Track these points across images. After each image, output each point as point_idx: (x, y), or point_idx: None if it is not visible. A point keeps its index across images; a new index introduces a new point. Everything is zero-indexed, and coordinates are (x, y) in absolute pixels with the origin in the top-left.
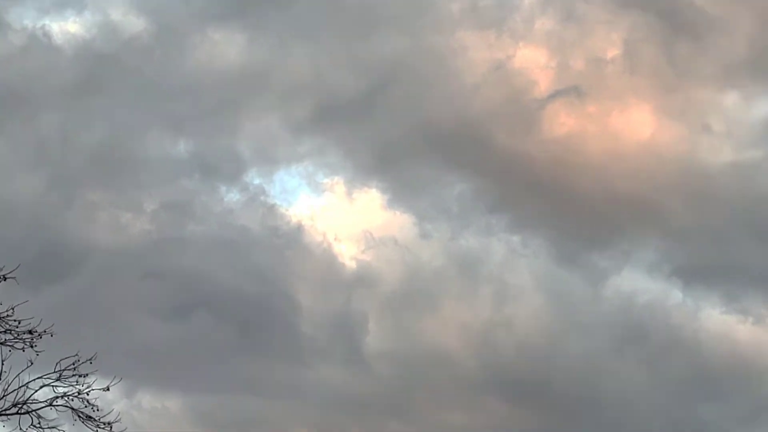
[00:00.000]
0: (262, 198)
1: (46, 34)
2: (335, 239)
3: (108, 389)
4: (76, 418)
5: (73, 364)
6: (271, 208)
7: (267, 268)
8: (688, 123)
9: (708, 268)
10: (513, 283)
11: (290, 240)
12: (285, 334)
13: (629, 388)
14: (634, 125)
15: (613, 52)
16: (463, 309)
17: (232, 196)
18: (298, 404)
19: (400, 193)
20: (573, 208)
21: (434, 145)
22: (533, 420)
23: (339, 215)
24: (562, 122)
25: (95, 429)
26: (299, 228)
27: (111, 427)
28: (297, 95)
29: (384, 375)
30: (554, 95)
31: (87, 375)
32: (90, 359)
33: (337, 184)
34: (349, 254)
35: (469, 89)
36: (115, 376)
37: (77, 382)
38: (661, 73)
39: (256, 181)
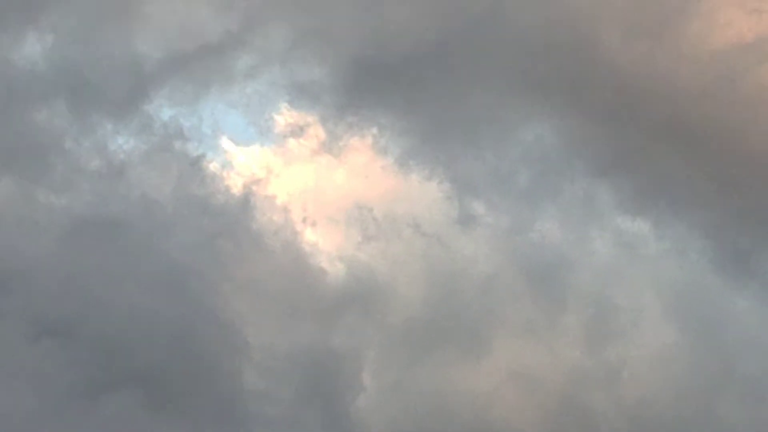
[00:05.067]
0: (177, 145)
1: None
2: (306, 222)
3: None
4: None
5: None
6: (195, 164)
7: (188, 273)
8: None
9: None
10: (626, 305)
11: (228, 223)
12: (222, 390)
13: None
14: None
15: None
16: (534, 351)
17: (120, 142)
18: None
19: (426, 141)
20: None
21: (491, 51)
22: None
23: (313, 180)
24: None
25: None
26: (245, 201)
27: None
28: None
29: None
30: None
31: None
32: None
33: (310, 121)
34: (331, 250)
35: None
36: None
37: None
38: None
39: (166, 114)
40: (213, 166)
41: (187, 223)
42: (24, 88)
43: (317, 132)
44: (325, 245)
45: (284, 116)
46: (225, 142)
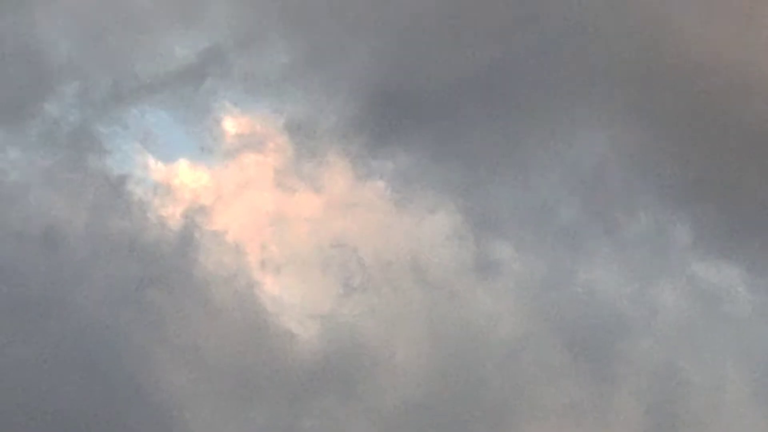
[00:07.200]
0: (92, 160)
1: None
2: (267, 267)
3: None
4: None
5: None
6: (117, 188)
7: (108, 336)
8: None
9: None
10: (704, 381)
11: (162, 268)
12: None
13: None
14: None
15: None
16: None
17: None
18: None
19: (432, 158)
20: None
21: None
22: None
23: (277, 210)
24: None
25: None
26: (185, 238)
27: None
28: None
29: None
30: None
31: None
32: None
33: (273, 130)
34: (301, 305)
35: None
36: None
37: None
38: None
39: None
40: (141, 191)
41: (106, 268)
42: None
43: (283, 145)
44: (293, 299)
45: (237, 123)
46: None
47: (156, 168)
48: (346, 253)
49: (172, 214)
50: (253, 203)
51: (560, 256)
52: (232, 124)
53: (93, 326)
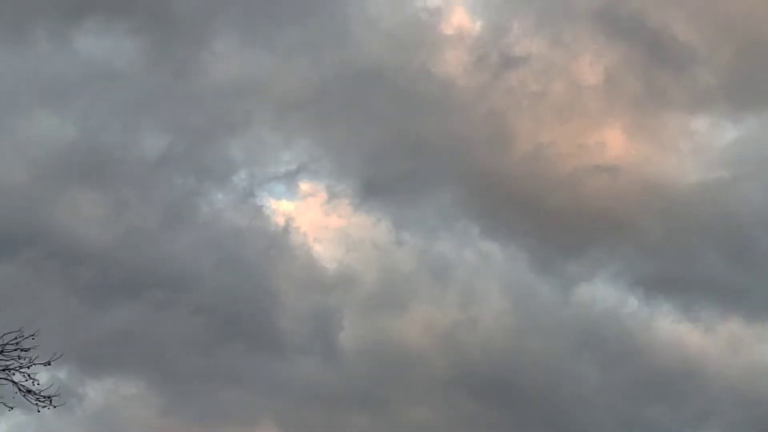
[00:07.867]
0: (250, 199)
1: None
2: (315, 240)
3: (49, 363)
4: (17, 391)
5: (16, 339)
6: (259, 210)
7: (258, 269)
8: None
9: (668, 280)
10: (481, 287)
11: (276, 240)
12: (268, 328)
13: (585, 388)
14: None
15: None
16: (432, 311)
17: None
18: (271, 395)
19: (376, 198)
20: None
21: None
22: (496, 415)
23: (321, 218)
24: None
25: (35, 403)
26: (285, 229)
27: (51, 401)
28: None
29: (356, 371)
30: None
31: (29, 350)
32: (32, 335)
33: (318, 189)
34: (329, 256)
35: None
36: (56, 353)
37: (19, 356)
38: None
39: (245, 184)
40: (267, 209)
41: (254, 242)
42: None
43: (322, 196)
44: (326, 256)
45: (306, 187)
46: (272, 198)
47: (270, 203)
48: (349, 239)
49: (277, 221)
50: (311, 219)
51: (429, 235)
52: (304, 188)
53: (253, 266)
